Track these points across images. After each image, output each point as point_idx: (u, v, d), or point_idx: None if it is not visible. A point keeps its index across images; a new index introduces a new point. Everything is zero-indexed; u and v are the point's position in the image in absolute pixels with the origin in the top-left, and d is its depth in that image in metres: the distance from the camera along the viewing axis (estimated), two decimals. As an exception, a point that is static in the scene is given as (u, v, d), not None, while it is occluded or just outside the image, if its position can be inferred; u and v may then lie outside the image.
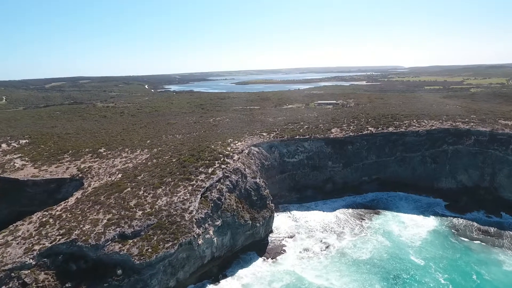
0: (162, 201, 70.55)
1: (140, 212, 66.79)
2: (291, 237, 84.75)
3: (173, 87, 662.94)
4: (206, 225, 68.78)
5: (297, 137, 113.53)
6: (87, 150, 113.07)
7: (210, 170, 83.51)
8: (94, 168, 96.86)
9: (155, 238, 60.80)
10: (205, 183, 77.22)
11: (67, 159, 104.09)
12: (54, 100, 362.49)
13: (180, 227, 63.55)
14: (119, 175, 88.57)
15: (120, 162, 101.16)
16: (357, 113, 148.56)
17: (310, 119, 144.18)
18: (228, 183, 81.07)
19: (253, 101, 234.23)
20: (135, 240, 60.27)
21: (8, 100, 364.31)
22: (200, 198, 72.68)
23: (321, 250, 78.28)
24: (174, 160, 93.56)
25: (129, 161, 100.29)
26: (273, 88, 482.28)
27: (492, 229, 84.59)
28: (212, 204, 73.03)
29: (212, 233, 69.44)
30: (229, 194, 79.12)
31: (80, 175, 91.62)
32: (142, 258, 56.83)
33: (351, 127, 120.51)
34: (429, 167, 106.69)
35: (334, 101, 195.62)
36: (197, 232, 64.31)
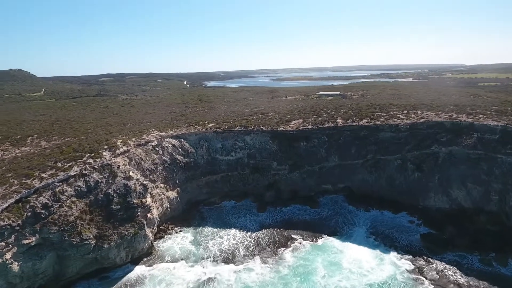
0: (-45, 207, 50.61)
1: None
2: (172, 265, 59.52)
3: (212, 83, 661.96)
4: (2, 244, 47.33)
5: (237, 128, 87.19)
6: (18, 137, 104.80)
7: (67, 165, 62.31)
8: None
9: None
10: (40, 183, 55.93)
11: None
12: (87, 93, 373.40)
13: None
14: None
15: (22, 150, 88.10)
16: (347, 103, 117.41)
17: (286, 109, 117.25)
18: (81, 184, 58.86)
19: (258, 93, 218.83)
20: None
21: (45, 92, 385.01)
22: (14, 203, 51.55)
23: (190, 292, 52.32)
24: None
25: (29, 150, 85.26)
26: (306, 84, 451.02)
27: (482, 286, 50.82)
28: (30, 214, 51.39)
29: (9, 257, 47.75)
30: (75, 199, 56.88)
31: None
32: None
33: (320, 119, 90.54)
34: (410, 176, 72.99)
35: (338, 92, 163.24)
36: (-39, 256, 43.15)
